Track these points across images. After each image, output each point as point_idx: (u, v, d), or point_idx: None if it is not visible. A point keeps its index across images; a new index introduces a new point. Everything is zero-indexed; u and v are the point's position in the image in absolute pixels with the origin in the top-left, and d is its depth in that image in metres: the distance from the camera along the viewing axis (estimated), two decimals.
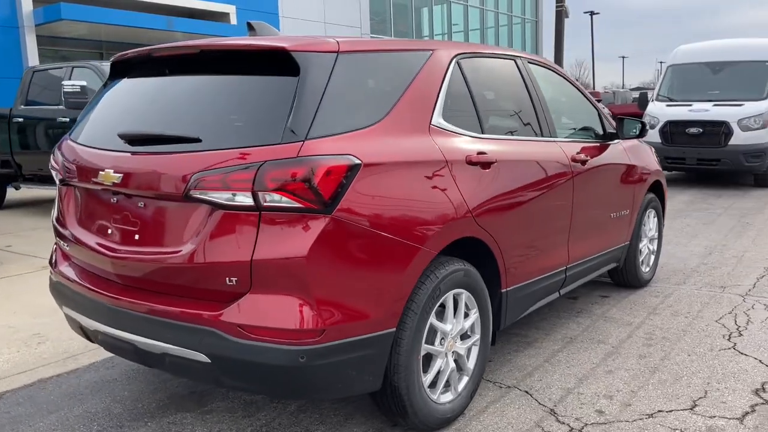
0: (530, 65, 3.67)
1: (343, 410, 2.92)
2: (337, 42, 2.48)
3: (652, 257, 5.02)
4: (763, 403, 2.91)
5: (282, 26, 20.86)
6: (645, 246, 4.86)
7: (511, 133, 3.33)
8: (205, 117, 2.45)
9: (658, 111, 10.83)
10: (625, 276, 4.73)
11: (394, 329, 2.40)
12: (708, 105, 10.30)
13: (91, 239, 2.63)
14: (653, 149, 5.10)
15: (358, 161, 2.26)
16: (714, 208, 8.58)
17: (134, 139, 2.51)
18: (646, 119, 10.68)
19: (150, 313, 2.36)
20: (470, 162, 2.79)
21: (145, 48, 2.80)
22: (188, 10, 18.97)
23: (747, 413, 2.82)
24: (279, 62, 2.35)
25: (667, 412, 2.85)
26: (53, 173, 2.96)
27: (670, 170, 10.61)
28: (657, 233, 5.06)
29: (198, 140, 2.32)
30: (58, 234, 2.90)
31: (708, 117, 10.17)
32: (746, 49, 11.09)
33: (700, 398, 2.97)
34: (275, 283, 2.16)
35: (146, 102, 2.69)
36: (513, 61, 3.54)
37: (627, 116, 4.59)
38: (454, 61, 2.98)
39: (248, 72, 2.47)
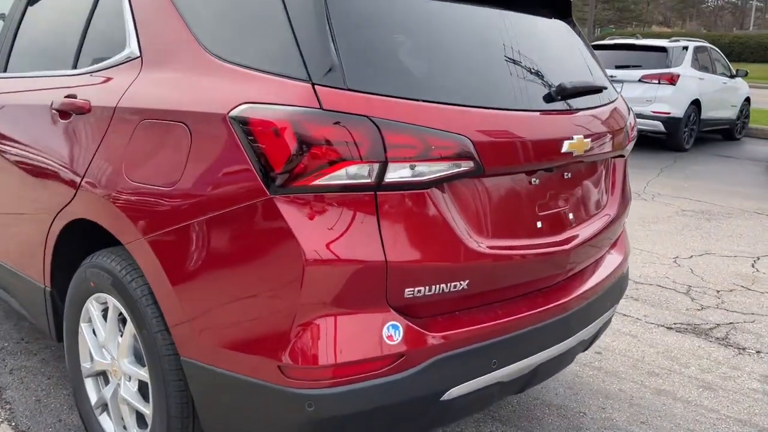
0: None
1: None
2: None
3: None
4: None
5: None
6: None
7: None
8: (567, 68, 2.20)
9: None
10: None
11: None
12: None
13: (530, 244, 1.85)
14: None
15: None
16: None
17: (571, 95, 1.99)
18: None
19: (599, 290, 2.12)
20: None
21: None
22: None
23: None
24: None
25: None
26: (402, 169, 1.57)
27: None
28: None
29: (603, 89, 2.20)
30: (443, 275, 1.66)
31: None
32: None
33: None
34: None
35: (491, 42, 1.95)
36: None
37: None
38: None
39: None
